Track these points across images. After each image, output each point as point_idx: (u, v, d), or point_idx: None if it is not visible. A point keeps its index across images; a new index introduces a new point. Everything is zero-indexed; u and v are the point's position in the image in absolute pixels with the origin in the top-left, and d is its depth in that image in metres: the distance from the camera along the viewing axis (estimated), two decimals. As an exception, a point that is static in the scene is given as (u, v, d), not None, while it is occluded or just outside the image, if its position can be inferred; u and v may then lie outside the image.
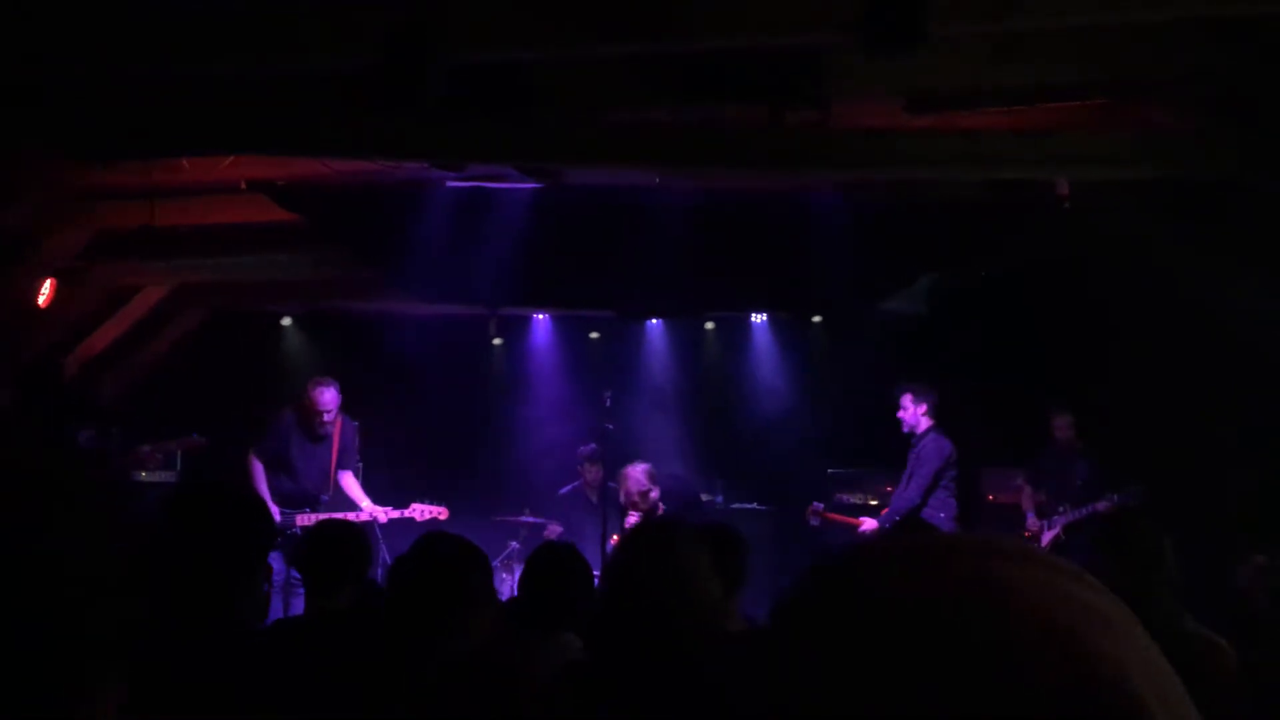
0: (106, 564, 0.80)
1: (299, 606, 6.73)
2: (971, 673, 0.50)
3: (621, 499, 7.75)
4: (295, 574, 6.45)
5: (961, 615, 0.52)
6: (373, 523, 7.41)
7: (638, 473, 7.72)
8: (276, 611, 6.87)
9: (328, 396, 7.37)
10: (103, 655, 0.78)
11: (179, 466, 8.51)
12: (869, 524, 7.99)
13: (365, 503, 7.49)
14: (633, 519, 7.69)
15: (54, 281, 7.97)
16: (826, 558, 0.60)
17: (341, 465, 7.61)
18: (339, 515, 7.34)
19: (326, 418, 7.44)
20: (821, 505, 8.43)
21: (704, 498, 8.72)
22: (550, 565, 3.85)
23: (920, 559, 0.56)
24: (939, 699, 0.50)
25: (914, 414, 7.65)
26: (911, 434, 7.69)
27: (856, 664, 0.53)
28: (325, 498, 7.47)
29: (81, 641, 0.77)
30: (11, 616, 0.75)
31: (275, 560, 7.08)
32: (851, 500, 9.13)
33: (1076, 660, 0.51)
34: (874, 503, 9.15)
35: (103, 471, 7.37)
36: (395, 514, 7.52)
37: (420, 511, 7.55)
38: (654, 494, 7.72)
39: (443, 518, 7.57)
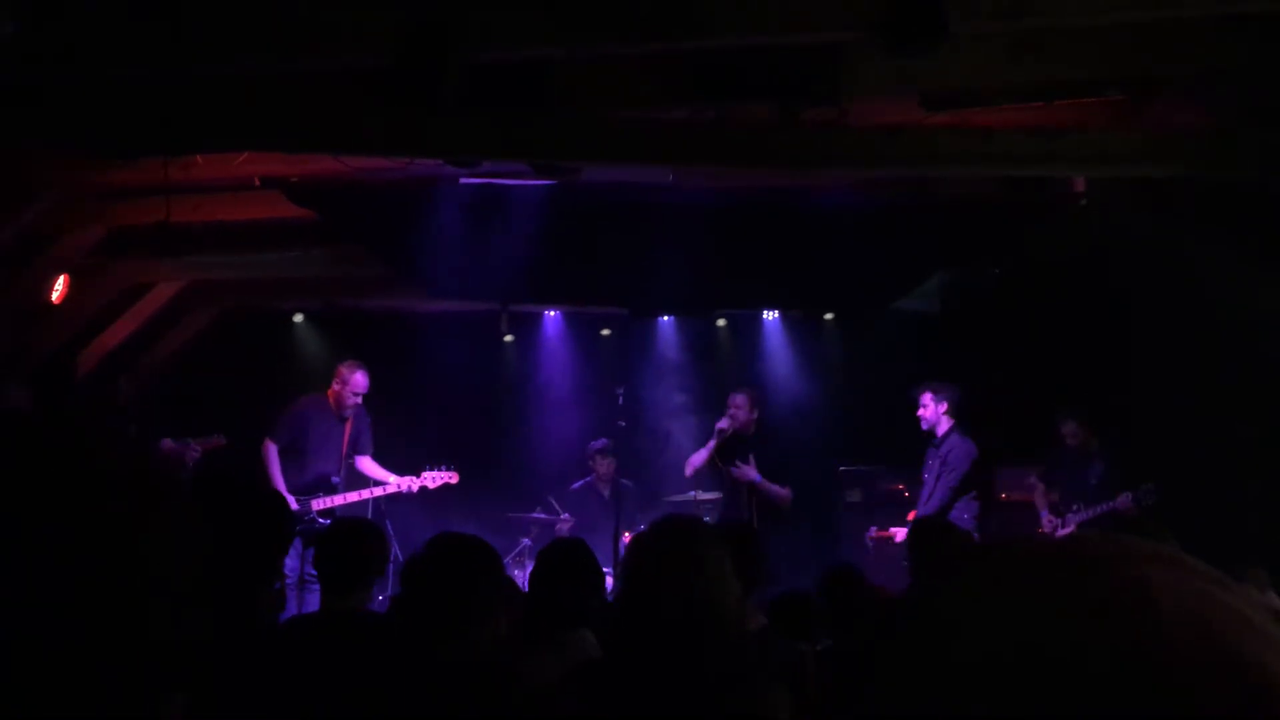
0: (192, 570, 0.79)
1: (313, 603, 6.73)
2: (1129, 678, 0.51)
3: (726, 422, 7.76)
4: (310, 570, 6.48)
5: (1120, 622, 0.53)
6: (386, 522, 7.44)
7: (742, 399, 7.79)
8: (291, 608, 6.88)
9: (360, 377, 7.55)
10: (180, 664, 0.77)
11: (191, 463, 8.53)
12: (901, 533, 7.72)
13: (392, 478, 7.67)
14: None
15: (67, 278, 7.98)
16: (963, 558, 0.60)
17: (360, 451, 7.78)
18: (354, 495, 7.48)
19: (357, 400, 7.58)
20: (874, 529, 8.21)
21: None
22: (561, 562, 3.85)
23: (1075, 565, 0.57)
24: (1097, 704, 0.51)
25: (934, 413, 7.46)
26: (932, 433, 7.51)
27: (1008, 670, 0.53)
28: (337, 480, 7.55)
29: (165, 650, 0.76)
30: (105, 623, 0.74)
31: (289, 555, 7.11)
32: (855, 499, 9.15)
33: (1231, 666, 0.52)
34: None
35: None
36: (411, 480, 7.66)
37: (432, 479, 7.68)
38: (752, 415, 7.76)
39: (454, 481, 7.68)
